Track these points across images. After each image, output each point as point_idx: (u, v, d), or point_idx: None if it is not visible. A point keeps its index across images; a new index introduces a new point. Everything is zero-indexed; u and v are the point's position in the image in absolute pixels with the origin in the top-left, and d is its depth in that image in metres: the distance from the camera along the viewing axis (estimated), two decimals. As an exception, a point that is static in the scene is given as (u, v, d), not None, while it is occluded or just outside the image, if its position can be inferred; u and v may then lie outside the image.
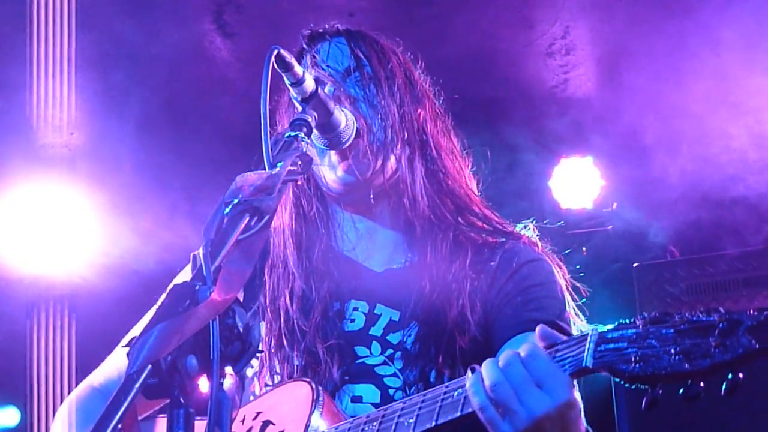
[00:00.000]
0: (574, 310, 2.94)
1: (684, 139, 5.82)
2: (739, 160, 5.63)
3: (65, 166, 6.20)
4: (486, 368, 2.34)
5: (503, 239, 3.02)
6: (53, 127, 5.99)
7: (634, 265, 5.66)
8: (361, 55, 3.03)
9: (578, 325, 2.90)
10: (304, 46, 3.06)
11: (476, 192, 3.12)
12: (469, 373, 2.36)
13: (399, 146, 2.97)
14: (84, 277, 6.36)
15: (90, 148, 6.13)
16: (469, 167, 3.18)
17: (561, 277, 2.99)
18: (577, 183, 6.31)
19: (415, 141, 3.01)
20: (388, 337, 2.92)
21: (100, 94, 5.80)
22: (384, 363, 2.90)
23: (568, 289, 2.99)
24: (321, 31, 3.08)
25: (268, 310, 3.01)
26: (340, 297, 2.99)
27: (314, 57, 3.02)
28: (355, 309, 2.99)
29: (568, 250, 3.26)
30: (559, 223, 3.23)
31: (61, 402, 3.23)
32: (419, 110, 3.06)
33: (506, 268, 2.96)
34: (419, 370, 2.87)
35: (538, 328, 2.41)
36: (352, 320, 2.98)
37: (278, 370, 2.95)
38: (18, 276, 6.34)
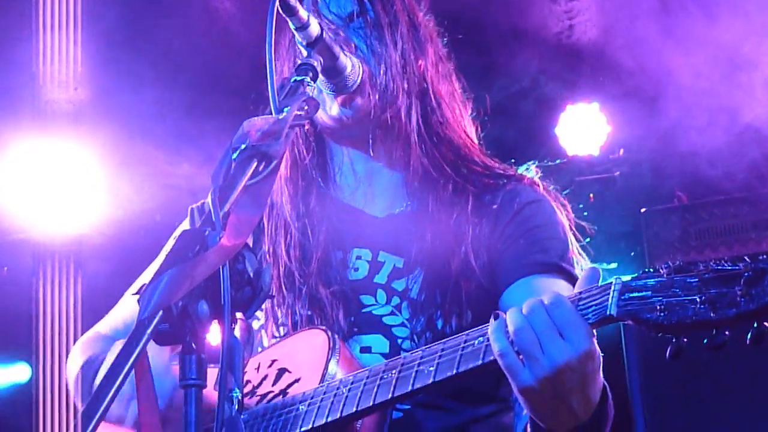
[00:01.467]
0: (578, 249, 2.93)
1: (692, 86, 5.80)
2: (748, 107, 5.62)
3: (70, 122, 6.19)
4: (510, 314, 2.31)
5: (504, 181, 3.01)
6: (58, 82, 5.98)
7: (642, 210, 5.65)
8: (359, 1, 2.99)
9: (582, 264, 2.88)
10: None
11: (475, 140, 3.10)
12: (492, 319, 2.34)
13: (400, 95, 2.96)
14: (89, 232, 6.37)
15: (94, 104, 6.12)
16: (469, 113, 3.17)
17: (564, 216, 2.98)
18: (583, 130, 6.29)
19: (414, 90, 2.98)
20: (393, 285, 2.92)
21: (104, 50, 5.80)
22: (391, 313, 2.90)
23: (571, 229, 2.97)
24: None
25: (269, 257, 3.00)
26: (343, 246, 2.98)
27: (317, 0, 2.98)
28: (359, 257, 2.99)
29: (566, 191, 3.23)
30: (557, 161, 3.19)
31: (67, 356, 3.24)
32: (421, 58, 3.03)
33: (508, 209, 2.95)
34: (426, 319, 2.86)
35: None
36: (356, 269, 2.98)
37: (283, 321, 2.94)
38: (24, 232, 6.35)
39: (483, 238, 2.90)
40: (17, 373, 6.96)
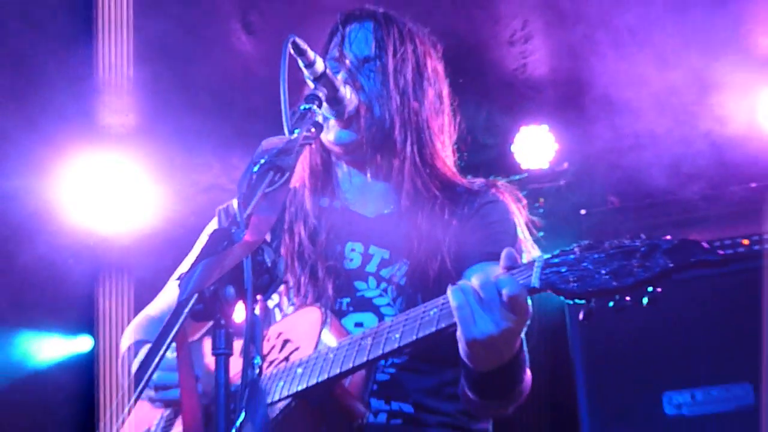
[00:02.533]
0: (531, 242, 2.95)
1: (621, 113, 5.83)
2: (672, 126, 5.65)
3: (123, 143, 6.21)
4: (464, 283, 2.38)
5: (474, 191, 3.04)
6: (112, 110, 5.99)
7: (582, 212, 5.66)
8: (377, 44, 3.00)
9: (533, 254, 2.89)
10: (339, 25, 3.04)
11: (451, 164, 3.12)
12: (449, 288, 2.39)
13: (396, 128, 2.98)
14: (138, 230, 6.38)
15: (142, 128, 6.14)
16: (454, 140, 3.19)
17: (519, 216, 2.99)
18: (534, 147, 6.29)
19: (411, 125, 2.98)
20: (381, 273, 2.93)
21: (150, 84, 5.80)
22: (380, 295, 2.90)
23: (527, 225, 3.00)
24: (355, 13, 3.07)
25: (285, 236, 3.03)
26: (340, 240, 2.99)
27: (342, 38, 3.01)
28: (353, 250, 2.98)
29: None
30: (516, 177, 3.22)
31: (123, 330, 3.25)
32: (419, 99, 3.01)
33: (472, 209, 2.97)
34: (407, 299, 2.87)
35: (504, 252, 2.40)
36: (351, 260, 2.97)
37: (293, 301, 2.96)
38: (86, 230, 6.36)
39: (453, 233, 2.92)
40: (81, 344, 6.97)
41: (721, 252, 2.14)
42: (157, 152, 6.24)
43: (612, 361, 5.14)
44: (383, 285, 2.92)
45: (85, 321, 6.45)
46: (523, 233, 2.95)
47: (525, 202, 3.04)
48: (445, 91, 3.15)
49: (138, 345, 3.01)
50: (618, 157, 6.10)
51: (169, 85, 5.81)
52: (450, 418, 2.88)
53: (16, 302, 6.67)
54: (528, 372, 2.62)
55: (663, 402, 5.03)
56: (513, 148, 6.30)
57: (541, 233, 3.06)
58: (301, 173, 3.10)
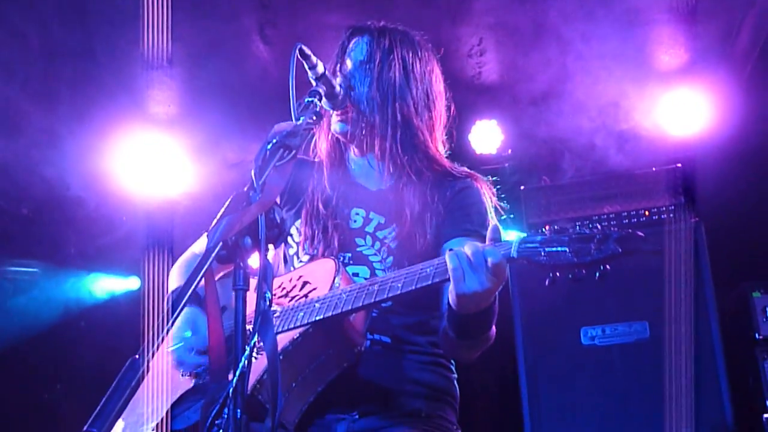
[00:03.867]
0: (494, 220, 2.97)
1: (553, 111, 5.83)
2: (593, 120, 5.66)
3: (166, 127, 6.17)
4: (457, 249, 2.40)
5: (456, 177, 3.02)
6: (157, 102, 5.97)
7: (522, 188, 5.65)
8: (370, 53, 2.95)
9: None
10: (346, 38, 3.02)
11: (442, 151, 3.08)
12: (447, 253, 2.41)
13: (377, 123, 2.96)
14: (177, 195, 6.36)
15: (182, 115, 6.10)
16: (446, 130, 3.16)
17: (490, 202, 2.97)
18: (486, 137, 6.27)
19: (394, 119, 2.92)
20: (377, 234, 2.93)
21: (187, 81, 5.77)
22: (374, 254, 2.90)
23: (495, 206, 2.99)
24: (358, 27, 3.03)
25: (307, 200, 3.02)
26: (347, 205, 3.00)
27: (346, 48, 2.99)
28: (357, 213, 2.98)
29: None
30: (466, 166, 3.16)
31: (164, 273, 3.24)
32: (403, 98, 2.94)
33: (451, 192, 2.95)
34: (396, 260, 2.87)
35: (491, 226, 2.44)
36: (354, 221, 2.97)
37: (308, 251, 2.96)
38: (136, 194, 6.34)
39: (436, 211, 2.92)
40: (131, 283, 6.95)
41: (655, 243, 2.24)
42: (193, 135, 6.19)
43: (542, 304, 5.15)
44: (377, 245, 2.91)
45: (135, 265, 6.42)
46: (492, 215, 2.94)
47: (494, 191, 3.03)
48: (437, 88, 3.07)
49: (173, 293, 3.02)
50: (550, 145, 6.11)
51: (202, 83, 5.79)
52: (420, 347, 2.89)
53: (82, 250, 6.67)
54: (494, 328, 2.63)
55: (580, 335, 5.04)
56: (470, 137, 6.26)
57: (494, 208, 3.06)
58: (320, 153, 3.09)
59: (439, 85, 3.08)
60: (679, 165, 5.44)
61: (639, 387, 4.82)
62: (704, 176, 5.46)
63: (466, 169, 3.05)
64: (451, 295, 2.43)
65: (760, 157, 5.71)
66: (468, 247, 2.38)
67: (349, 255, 2.90)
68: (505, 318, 5.13)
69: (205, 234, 3.19)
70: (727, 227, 5.51)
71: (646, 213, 5.29)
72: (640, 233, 2.19)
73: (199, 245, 3.18)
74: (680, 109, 5.82)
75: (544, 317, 5.12)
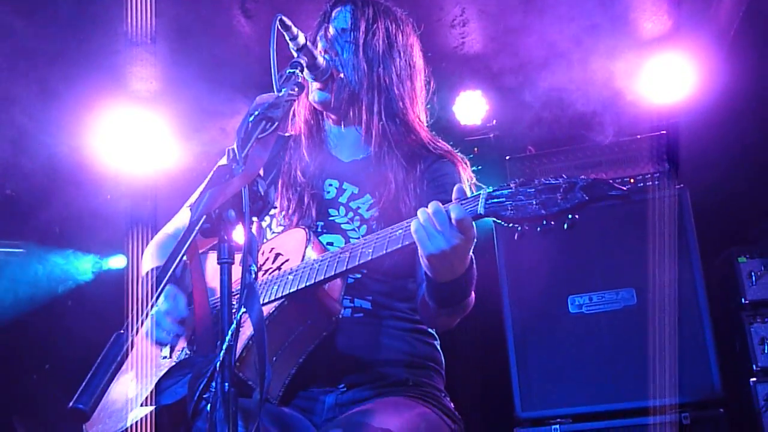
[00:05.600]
0: (472, 191, 2.98)
1: (537, 81, 5.81)
2: (577, 89, 5.64)
3: (148, 103, 6.13)
4: (420, 211, 2.40)
5: (433, 150, 3.04)
6: (139, 78, 5.92)
7: (507, 158, 5.65)
8: (353, 22, 2.95)
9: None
10: (328, 6, 3.01)
11: (424, 122, 3.09)
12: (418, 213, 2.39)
13: (362, 90, 2.96)
14: (160, 171, 6.34)
15: (164, 92, 6.07)
16: (427, 102, 3.18)
17: (464, 175, 2.98)
18: (470, 108, 6.25)
19: (376, 88, 2.93)
20: (350, 204, 2.93)
21: (168, 57, 5.71)
22: (347, 222, 2.90)
23: (470, 180, 3.01)
24: None
25: (284, 171, 3.02)
26: (321, 176, 3.00)
27: (329, 16, 2.98)
28: (330, 185, 2.98)
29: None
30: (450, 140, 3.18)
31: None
32: (386, 67, 2.95)
33: (427, 164, 2.96)
34: (368, 227, 2.86)
35: (456, 186, 2.44)
36: (328, 192, 2.96)
37: (282, 222, 2.95)
38: (117, 171, 6.33)
39: (413, 180, 2.92)
40: (118, 261, 6.94)
41: (622, 188, 2.17)
42: (174, 111, 6.16)
43: (529, 274, 5.16)
44: (350, 215, 2.91)
45: (120, 244, 6.40)
46: (466, 187, 2.93)
47: (469, 165, 3.04)
48: (418, 62, 3.09)
49: (156, 269, 2.99)
50: (534, 115, 6.10)
51: (184, 59, 5.73)
52: (401, 313, 2.89)
53: (66, 229, 6.64)
54: (473, 294, 2.62)
55: (568, 303, 5.05)
56: (454, 108, 6.25)
57: (476, 174, 3.07)
58: (298, 124, 3.09)
59: (419, 60, 3.11)
60: (664, 132, 5.44)
61: (627, 354, 4.85)
62: (689, 143, 5.47)
63: (445, 145, 3.07)
64: (422, 260, 2.42)
65: (744, 122, 5.72)
66: (430, 206, 2.36)
67: (322, 224, 2.90)
68: (492, 287, 5.14)
69: (179, 213, 3.21)
70: (712, 193, 5.53)
71: (631, 180, 5.30)
72: (607, 179, 2.17)
73: (172, 225, 3.18)
74: (664, 76, 5.82)
75: (532, 286, 5.13)
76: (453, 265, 2.39)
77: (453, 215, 2.31)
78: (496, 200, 2.26)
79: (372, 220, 2.86)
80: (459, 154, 3.03)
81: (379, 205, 2.87)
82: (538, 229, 2.21)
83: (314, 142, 3.04)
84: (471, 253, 2.45)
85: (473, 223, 2.33)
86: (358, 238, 2.85)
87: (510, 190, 2.25)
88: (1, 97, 5.58)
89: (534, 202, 2.19)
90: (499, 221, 2.26)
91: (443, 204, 2.76)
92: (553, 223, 2.19)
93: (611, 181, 2.17)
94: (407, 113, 2.98)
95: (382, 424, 2.43)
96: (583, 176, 2.19)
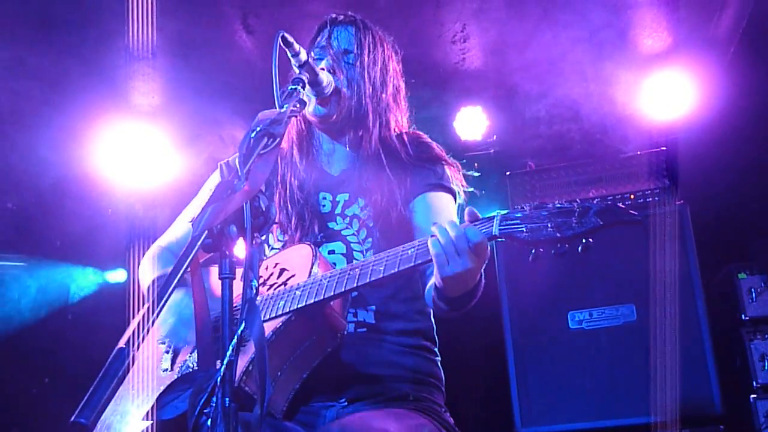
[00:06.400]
0: (464, 199, 3.02)
1: (537, 98, 5.83)
2: (577, 105, 5.67)
3: (149, 117, 6.14)
4: (441, 232, 2.39)
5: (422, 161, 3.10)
6: (141, 93, 5.93)
7: (507, 173, 5.66)
8: (357, 44, 3.02)
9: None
10: (327, 24, 3.05)
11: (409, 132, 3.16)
12: (429, 239, 2.40)
13: (369, 110, 3.02)
14: (161, 184, 6.36)
15: (165, 106, 6.07)
16: (407, 116, 3.24)
17: (455, 179, 3.05)
18: (471, 123, 6.26)
19: (378, 107, 3.02)
20: (345, 212, 2.96)
21: (169, 71, 5.73)
22: (346, 227, 2.93)
23: (462, 185, 3.06)
24: (341, 17, 3.09)
25: (279, 187, 3.04)
26: (315, 191, 3.03)
27: (330, 34, 3.02)
28: (324, 198, 3.00)
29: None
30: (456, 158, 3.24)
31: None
32: (385, 89, 3.05)
33: (405, 147, 3.05)
34: (368, 230, 2.90)
35: (467, 209, 2.45)
36: (323, 206, 2.99)
37: (280, 238, 2.98)
38: (118, 185, 6.33)
39: (398, 174, 2.96)
40: (118, 276, 6.93)
41: (635, 214, 2.21)
42: (176, 125, 6.18)
43: (529, 289, 5.16)
44: (347, 220, 2.95)
45: (121, 258, 6.40)
46: (451, 173, 3.04)
47: (462, 176, 3.10)
48: (402, 85, 3.19)
49: (160, 279, 3.00)
50: (534, 132, 6.12)
51: (185, 74, 5.75)
52: (402, 325, 2.90)
53: (67, 243, 6.64)
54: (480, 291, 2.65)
55: (568, 319, 5.05)
56: (455, 123, 6.26)
57: (475, 190, 3.12)
58: (290, 139, 3.11)
59: (402, 82, 3.22)
60: (664, 148, 5.46)
61: (626, 370, 4.84)
62: (689, 159, 5.48)
63: (435, 152, 3.14)
64: (436, 277, 2.45)
65: (744, 139, 5.73)
66: (450, 229, 2.38)
67: (322, 235, 2.93)
68: (493, 302, 5.14)
69: (172, 226, 3.23)
70: (712, 209, 5.55)
71: (632, 197, 5.31)
72: (621, 205, 2.19)
73: (165, 238, 3.20)
74: (664, 93, 5.83)
75: (532, 302, 5.14)
76: (465, 282, 2.42)
77: (472, 239, 2.34)
78: (510, 222, 2.29)
79: (368, 220, 2.91)
80: (451, 159, 3.12)
81: (371, 204, 2.92)
82: (553, 251, 2.23)
83: (307, 158, 3.09)
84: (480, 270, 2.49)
85: (488, 244, 2.36)
86: (359, 242, 2.90)
87: (524, 213, 2.28)
88: (4, 111, 5.59)
89: (549, 225, 2.22)
90: (515, 243, 2.28)
91: (433, 186, 2.79)
92: (567, 246, 2.21)
93: (624, 206, 2.22)
94: (399, 129, 3.11)
95: (382, 425, 2.44)
96: (596, 200, 2.22)
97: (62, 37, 5.26)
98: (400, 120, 3.14)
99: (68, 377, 6.19)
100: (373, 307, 2.85)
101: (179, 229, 3.19)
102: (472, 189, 3.10)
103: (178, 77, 5.76)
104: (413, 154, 3.04)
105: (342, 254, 2.90)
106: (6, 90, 5.45)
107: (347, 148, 3.07)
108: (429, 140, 3.15)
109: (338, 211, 2.97)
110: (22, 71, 5.39)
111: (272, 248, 2.97)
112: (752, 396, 5.01)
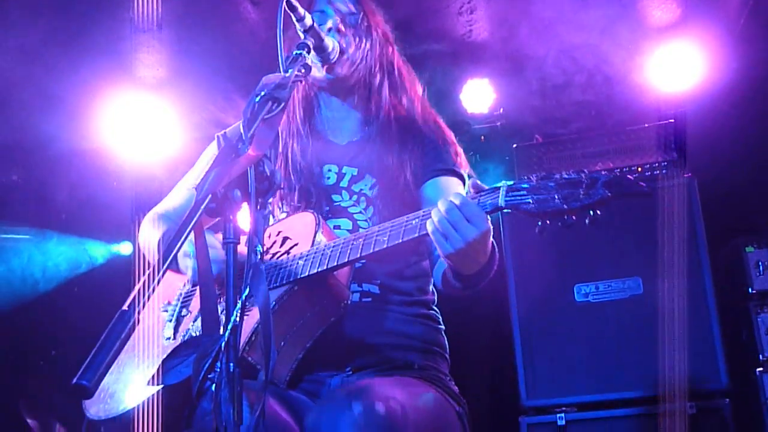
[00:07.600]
0: (470, 175, 3.00)
1: (543, 68, 5.80)
2: (585, 77, 5.63)
3: (154, 90, 6.12)
4: (434, 211, 2.33)
5: (430, 129, 3.08)
6: (146, 65, 5.91)
7: (514, 146, 5.62)
8: (361, 6, 3.01)
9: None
10: None
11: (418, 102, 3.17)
12: (428, 221, 2.36)
13: (376, 70, 2.99)
14: (166, 156, 6.35)
15: (170, 78, 6.05)
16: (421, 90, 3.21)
17: (458, 146, 3.04)
18: (477, 96, 6.22)
19: (385, 68, 2.99)
20: (352, 187, 2.93)
21: (175, 44, 5.71)
22: (353, 205, 2.90)
23: (468, 165, 3.02)
24: None
25: (281, 156, 3.01)
26: (319, 162, 3.00)
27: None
28: (329, 170, 2.97)
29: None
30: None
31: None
32: (390, 49, 3.04)
33: (422, 134, 3.02)
34: (375, 208, 2.87)
35: (470, 183, 2.43)
36: (328, 178, 2.96)
37: (284, 209, 2.95)
38: (123, 156, 6.34)
39: (409, 156, 2.93)
40: (125, 248, 6.95)
41: (644, 185, 2.15)
42: (181, 97, 6.15)
43: (535, 263, 5.14)
44: (354, 197, 2.90)
45: (127, 231, 6.40)
46: (461, 159, 3.01)
47: (463, 154, 3.07)
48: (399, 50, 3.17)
49: (166, 236, 3.00)
50: (541, 104, 6.08)
51: (190, 45, 5.72)
52: (407, 296, 2.88)
53: (74, 216, 6.65)
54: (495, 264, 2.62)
55: (574, 292, 5.04)
56: (461, 96, 6.21)
57: (483, 161, 3.10)
58: (294, 108, 3.08)
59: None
60: (672, 120, 5.42)
61: (632, 343, 4.83)
62: (697, 131, 5.44)
63: (442, 124, 3.12)
64: (444, 259, 2.40)
65: (753, 111, 5.69)
66: (441, 204, 2.33)
67: (328, 209, 2.91)
68: (499, 275, 5.13)
69: (180, 188, 3.21)
70: (720, 182, 5.51)
71: (639, 169, 5.27)
72: (629, 176, 2.15)
73: (172, 200, 3.17)
74: (672, 65, 5.78)
75: (538, 275, 5.12)
76: (474, 258, 2.37)
77: (466, 211, 2.29)
78: (516, 193, 2.23)
79: (376, 199, 2.88)
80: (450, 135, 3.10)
81: (380, 183, 2.89)
82: (560, 223, 2.19)
83: (311, 126, 3.05)
84: (491, 240, 2.44)
85: (488, 216, 2.32)
86: (366, 219, 2.87)
87: (531, 184, 2.22)
88: (8, 84, 5.58)
89: (556, 197, 2.16)
90: (521, 214, 2.23)
91: (442, 171, 2.76)
92: (574, 218, 2.17)
93: (633, 178, 2.15)
94: (409, 93, 3.06)
95: (387, 392, 2.43)
96: (604, 171, 2.18)
97: (67, 9, 5.23)
98: (409, 87, 3.10)
99: (75, 350, 6.21)
100: (378, 281, 2.84)
101: (177, 196, 3.17)
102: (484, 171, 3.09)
103: (183, 49, 5.73)
104: (426, 134, 3.00)
105: (348, 230, 2.87)
106: (10, 62, 5.43)
107: (357, 115, 3.03)
108: (441, 121, 3.11)
109: (344, 184, 2.93)
110: (26, 43, 5.36)
111: (276, 218, 2.94)
112: (758, 369, 5.00)
